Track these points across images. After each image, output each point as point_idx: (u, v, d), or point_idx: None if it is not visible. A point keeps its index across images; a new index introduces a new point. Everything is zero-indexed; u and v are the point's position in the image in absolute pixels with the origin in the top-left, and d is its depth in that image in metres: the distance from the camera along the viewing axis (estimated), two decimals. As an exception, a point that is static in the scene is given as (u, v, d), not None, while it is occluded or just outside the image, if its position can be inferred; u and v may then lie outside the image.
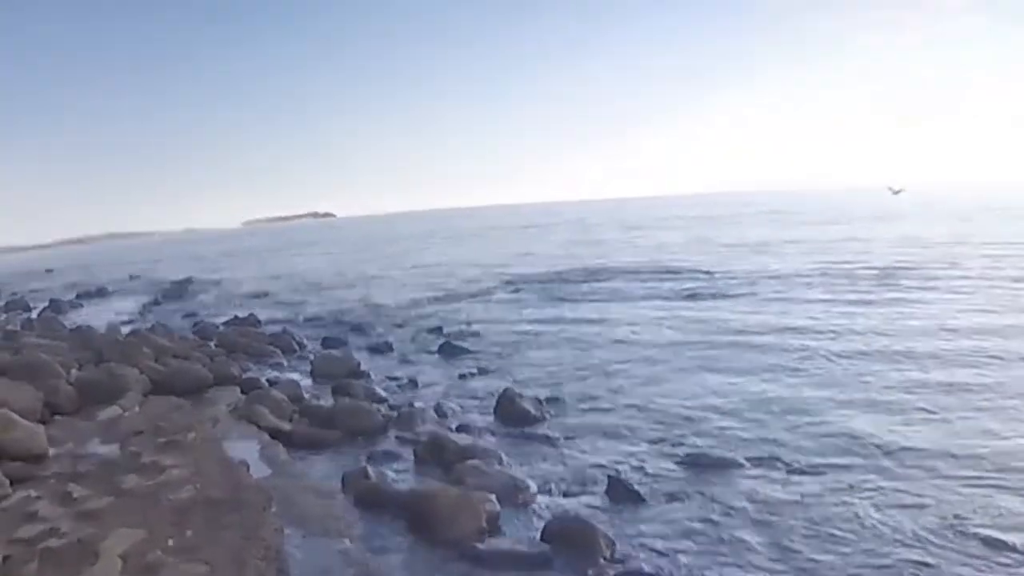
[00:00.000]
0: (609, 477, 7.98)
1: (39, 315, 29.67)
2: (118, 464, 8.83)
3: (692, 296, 21.33)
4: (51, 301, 34.32)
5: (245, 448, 9.42)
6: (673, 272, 27.19)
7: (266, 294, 32.94)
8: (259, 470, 8.58)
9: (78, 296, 38.37)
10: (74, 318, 28.77)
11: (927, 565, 6.08)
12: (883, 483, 7.67)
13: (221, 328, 22.17)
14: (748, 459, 8.45)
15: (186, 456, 8.83)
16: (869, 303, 18.15)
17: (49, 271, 71.43)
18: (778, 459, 8.43)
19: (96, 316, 28.61)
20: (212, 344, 18.71)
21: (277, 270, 47.47)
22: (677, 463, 8.54)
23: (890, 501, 7.25)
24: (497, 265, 36.13)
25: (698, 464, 8.43)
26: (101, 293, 40.20)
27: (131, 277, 50.76)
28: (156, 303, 33.89)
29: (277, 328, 21.68)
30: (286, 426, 10.91)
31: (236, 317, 24.33)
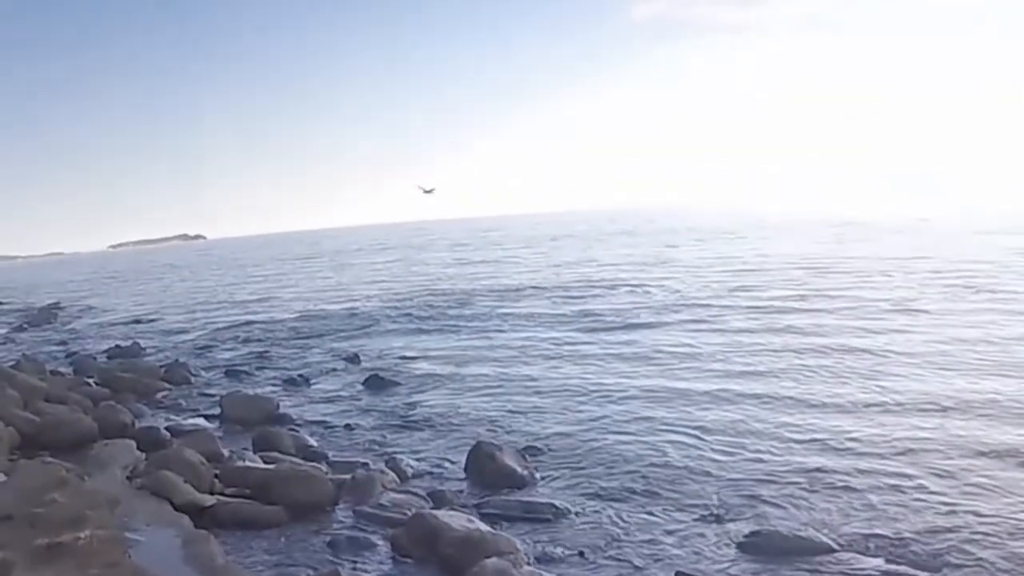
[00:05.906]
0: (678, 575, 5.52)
1: None
2: (-24, 586, 5.60)
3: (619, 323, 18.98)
4: None
5: (164, 547, 6.31)
6: (573, 291, 25.09)
7: (146, 319, 28.48)
8: (189, 586, 5.60)
9: (-74, 326, 31.86)
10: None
11: None
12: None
13: (101, 361, 18.22)
14: (834, 539, 6.01)
15: (81, 571, 5.70)
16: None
17: None
18: (870, 538, 6.04)
19: (-52, 349, 23.38)
20: (92, 382, 14.85)
21: (152, 294, 42.07)
22: (739, 547, 6.03)
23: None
24: (381, 287, 32.83)
25: (772, 550, 5.89)
26: (-45, 322, 33.76)
27: (-9, 303, 43.82)
28: (21, 329, 28.73)
29: (166, 358, 18.06)
30: (208, 500, 7.83)
31: (117, 347, 20.35)
